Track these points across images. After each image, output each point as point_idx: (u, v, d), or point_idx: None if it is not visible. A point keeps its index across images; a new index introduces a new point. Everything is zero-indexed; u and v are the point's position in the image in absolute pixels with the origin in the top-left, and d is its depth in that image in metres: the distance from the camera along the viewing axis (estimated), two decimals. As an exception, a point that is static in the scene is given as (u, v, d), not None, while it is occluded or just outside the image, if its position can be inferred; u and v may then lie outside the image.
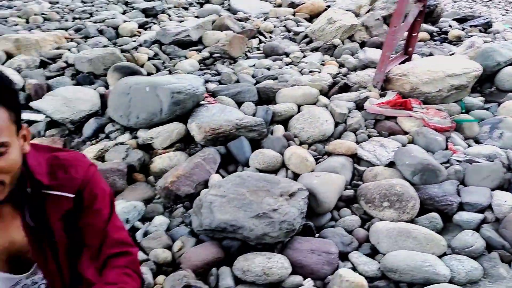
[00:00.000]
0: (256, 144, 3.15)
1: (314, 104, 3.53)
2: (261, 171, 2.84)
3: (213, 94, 3.69)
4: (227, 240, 2.32)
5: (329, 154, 3.03)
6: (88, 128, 3.50)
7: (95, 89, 3.91)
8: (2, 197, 1.07)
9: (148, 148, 3.27)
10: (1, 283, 1.21)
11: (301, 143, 3.15)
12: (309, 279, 2.16)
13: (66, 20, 5.89)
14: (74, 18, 6.00)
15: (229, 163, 3.09)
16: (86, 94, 3.76)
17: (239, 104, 3.58)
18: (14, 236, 1.20)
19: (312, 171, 2.83)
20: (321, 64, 4.48)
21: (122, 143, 3.25)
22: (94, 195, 1.26)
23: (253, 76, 4.15)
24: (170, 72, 4.35)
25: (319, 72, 4.19)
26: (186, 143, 3.28)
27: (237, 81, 4.05)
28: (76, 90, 3.85)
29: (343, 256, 2.31)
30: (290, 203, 2.34)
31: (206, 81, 3.99)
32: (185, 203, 2.81)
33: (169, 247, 2.39)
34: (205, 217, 2.33)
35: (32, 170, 1.17)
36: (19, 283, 1.24)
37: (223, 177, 2.86)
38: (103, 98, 3.74)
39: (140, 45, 4.99)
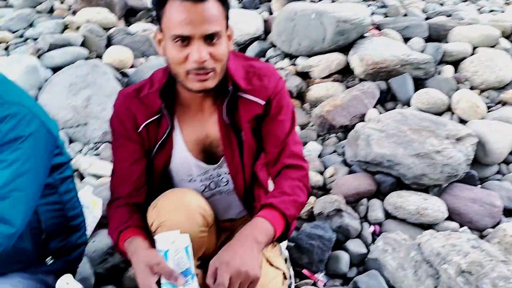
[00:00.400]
0: (419, 83, 2.97)
1: (493, 46, 3.16)
2: (423, 111, 2.69)
3: (378, 27, 3.52)
4: (381, 175, 2.29)
5: (503, 103, 2.73)
6: (251, 50, 3.64)
7: (259, 14, 4.01)
8: (212, 84, 1.18)
9: (305, 76, 3.31)
10: (195, 168, 1.37)
11: (472, 88, 2.88)
12: (465, 227, 2.06)
13: None
14: None
15: (388, 100, 2.99)
16: (251, 18, 3.88)
17: (406, 39, 3.37)
18: (210, 130, 1.33)
19: (481, 119, 2.59)
20: (506, 3, 3.94)
21: (281, 68, 3.33)
22: (280, 106, 1.33)
23: (424, 11, 3.84)
24: (333, 1, 4.24)
25: (502, 12, 3.70)
26: (344, 75, 3.24)
27: (405, 15, 3.79)
28: (242, 13, 3.99)
29: (508, 212, 2.14)
30: (456, 147, 2.19)
31: (371, 13, 3.81)
32: (338, 133, 2.83)
33: (320, 172, 2.46)
34: (360, 148, 2.32)
35: (231, 72, 1.27)
36: (207, 172, 1.40)
37: (380, 113, 2.79)
38: (266, 23, 3.83)
39: (305, -28, 4.91)
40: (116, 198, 1.33)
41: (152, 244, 1.17)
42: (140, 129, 1.29)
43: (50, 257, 1.45)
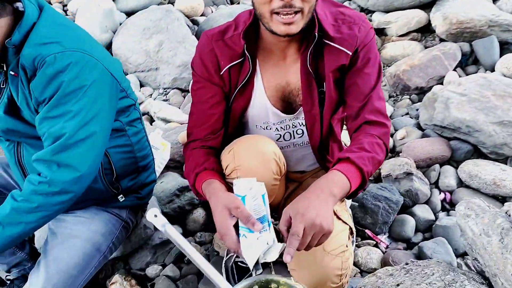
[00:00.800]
0: (505, 47, 2.74)
1: None
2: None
3: (465, -17, 3.25)
4: (457, 141, 2.17)
5: None
6: (325, 3, 3.49)
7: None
8: (297, 29, 1.12)
9: (381, 33, 3.15)
10: (272, 116, 1.35)
11: None
12: (546, 204, 1.93)
13: None
14: None
15: (469, 64, 2.80)
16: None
17: (495, -1, 3.10)
18: (291, 78, 1.29)
19: None
20: None
21: (356, 24, 3.18)
22: (367, 58, 1.26)
23: (519, -32, 3.48)
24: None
25: None
26: (423, 34, 3.05)
27: (497, -28, 3.46)
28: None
29: None
30: (545, 117, 2.03)
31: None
32: (412, 95, 2.70)
33: (391, 135, 2.37)
34: (438, 112, 2.20)
35: (319, 18, 1.21)
36: (283, 122, 1.37)
37: (460, 77, 2.62)
38: (343, -26, 3.65)
39: None
40: (193, 140, 1.34)
41: (228, 188, 1.18)
42: (222, 72, 1.27)
43: (122, 195, 1.51)
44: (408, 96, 2.70)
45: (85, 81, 1.21)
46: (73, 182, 1.22)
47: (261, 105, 1.32)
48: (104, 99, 1.26)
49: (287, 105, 1.34)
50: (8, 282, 1.70)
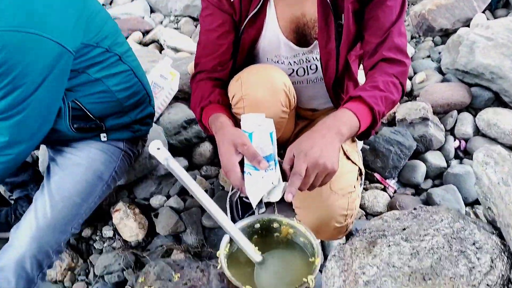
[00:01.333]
0: (542, -10, 2.56)
1: None
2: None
3: None
4: (478, 88, 2.07)
5: None
6: None
7: None
8: None
9: (408, -32, 2.94)
10: (284, 48, 1.26)
11: None
12: None
13: None
14: None
15: (499, 7, 2.63)
16: None
17: None
18: (307, 9, 1.20)
19: None
20: None
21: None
22: None
23: None
24: None
25: None
26: (453, -29, 2.85)
27: None
28: None
29: None
30: None
31: None
32: (435, 37, 2.56)
33: (409, 77, 2.27)
34: (461, 55, 2.08)
35: None
36: (296, 56, 1.28)
37: (488, 20, 2.46)
38: None
39: None
40: (199, 71, 1.26)
41: (234, 122, 1.13)
42: None
43: (105, 134, 1.42)
44: (431, 38, 2.56)
45: (16, 66, 1.07)
46: (6, 147, 1.17)
47: (273, 36, 1.23)
48: (44, 75, 1.13)
49: (301, 37, 1.24)
50: (12, 202, 1.71)
